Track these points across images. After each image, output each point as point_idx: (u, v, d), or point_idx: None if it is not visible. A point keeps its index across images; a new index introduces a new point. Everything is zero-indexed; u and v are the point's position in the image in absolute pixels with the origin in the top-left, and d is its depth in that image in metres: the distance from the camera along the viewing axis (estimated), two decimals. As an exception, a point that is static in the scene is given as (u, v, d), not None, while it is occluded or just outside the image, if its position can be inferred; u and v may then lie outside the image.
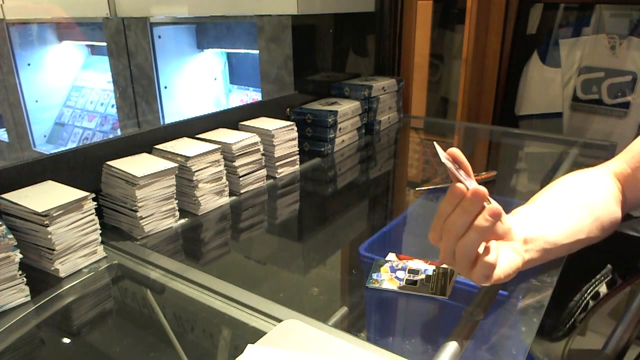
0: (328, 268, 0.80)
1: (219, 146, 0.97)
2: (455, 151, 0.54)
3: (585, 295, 0.68)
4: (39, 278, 0.71)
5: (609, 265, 0.71)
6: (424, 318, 0.65)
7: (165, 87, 1.90)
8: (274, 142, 1.10)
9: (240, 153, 1.01)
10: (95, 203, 0.75)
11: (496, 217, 0.52)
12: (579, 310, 0.68)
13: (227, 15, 1.54)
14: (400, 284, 0.68)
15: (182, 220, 0.92)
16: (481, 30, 1.68)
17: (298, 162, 1.20)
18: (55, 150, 0.86)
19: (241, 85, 2.07)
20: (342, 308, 0.66)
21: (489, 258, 0.52)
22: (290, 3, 1.26)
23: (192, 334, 0.63)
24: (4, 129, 2.57)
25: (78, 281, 0.72)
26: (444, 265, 0.71)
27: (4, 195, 0.74)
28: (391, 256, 0.76)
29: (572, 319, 0.69)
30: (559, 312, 0.70)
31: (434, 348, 0.55)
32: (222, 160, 0.97)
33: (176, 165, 0.88)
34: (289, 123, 1.14)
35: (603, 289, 0.68)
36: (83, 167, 0.87)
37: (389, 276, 0.70)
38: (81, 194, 0.74)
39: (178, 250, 0.84)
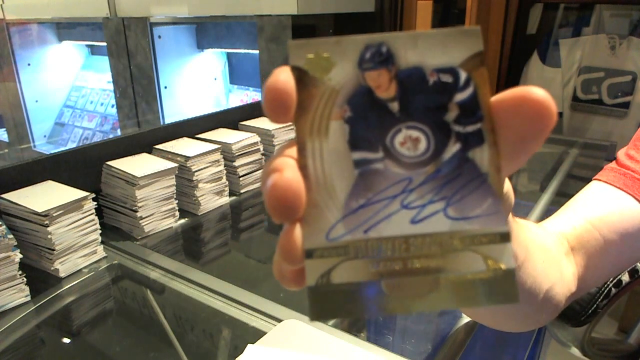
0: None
1: (219, 146, 0.97)
2: None
3: (608, 282, 0.68)
4: (39, 278, 0.71)
5: None
6: (424, 318, 0.65)
7: (166, 87, 1.89)
8: (274, 142, 1.10)
9: (240, 153, 1.01)
10: (95, 203, 0.75)
11: None
12: (601, 297, 0.68)
13: (227, 15, 1.53)
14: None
15: (182, 220, 0.92)
16: (481, 30, 1.68)
17: (298, 162, 1.19)
18: (55, 150, 0.86)
19: (241, 85, 2.07)
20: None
21: None
22: (290, 3, 1.26)
23: (192, 334, 0.63)
24: (4, 129, 2.57)
25: (78, 281, 0.72)
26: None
27: (4, 195, 0.74)
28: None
29: (595, 306, 0.68)
30: (582, 298, 0.69)
31: (433, 348, 0.55)
32: (222, 160, 0.97)
33: (176, 165, 0.88)
34: (289, 123, 1.14)
35: (625, 277, 0.68)
36: (83, 167, 0.87)
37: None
38: (81, 194, 0.74)
39: (178, 250, 0.84)
